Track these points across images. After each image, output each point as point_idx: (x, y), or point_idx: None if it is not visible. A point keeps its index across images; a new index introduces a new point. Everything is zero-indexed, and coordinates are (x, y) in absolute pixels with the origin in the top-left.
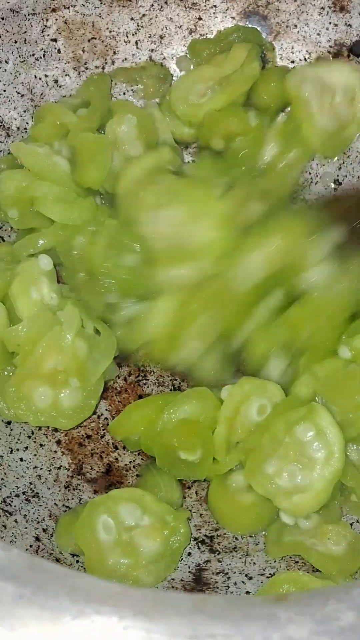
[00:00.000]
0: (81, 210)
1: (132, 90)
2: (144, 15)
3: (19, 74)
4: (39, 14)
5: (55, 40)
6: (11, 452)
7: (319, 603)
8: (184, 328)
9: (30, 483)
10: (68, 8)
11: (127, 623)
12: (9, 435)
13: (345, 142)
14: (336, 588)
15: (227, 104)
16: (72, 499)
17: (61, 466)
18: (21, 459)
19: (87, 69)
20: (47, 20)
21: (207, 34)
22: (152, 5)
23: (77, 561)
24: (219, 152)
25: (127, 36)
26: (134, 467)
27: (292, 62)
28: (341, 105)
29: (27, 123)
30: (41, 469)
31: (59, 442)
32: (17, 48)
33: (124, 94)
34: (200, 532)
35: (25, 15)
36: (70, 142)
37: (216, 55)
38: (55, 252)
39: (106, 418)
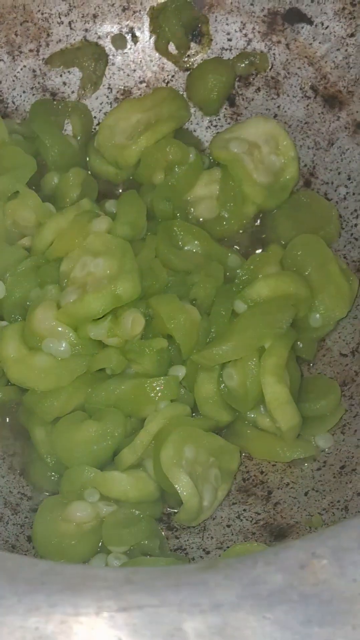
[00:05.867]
0: None
1: (68, 72)
2: None
3: None
4: None
5: None
6: None
7: (247, 567)
8: None
9: None
10: None
11: (55, 599)
12: None
13: (286, 188)
14: (265, 551)
15: (156, 141)
16: (28, 486)
17: (15, 453)
18: None
19: (21, 52)
20: None
21: (140, 10)
22: None
23: (33, 547)
24: (145, 188)
25: (60, 17)
26: None
27: (228, 33)
28: (270, 156)
29: None
30: None
31: (10, 429)
32: None
33: (61, 76)
34: None
35: None
36: None
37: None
38: None
39: None
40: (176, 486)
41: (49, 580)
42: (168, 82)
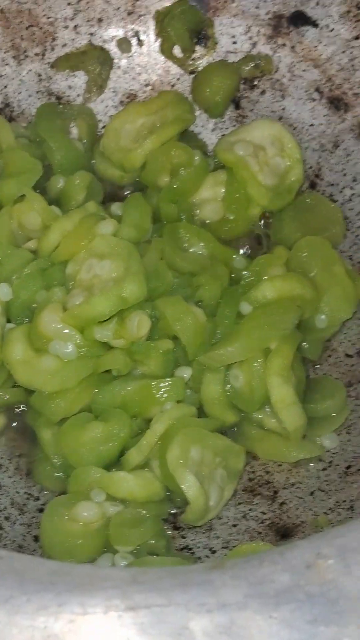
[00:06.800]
0: None
1: (74, 75)
2: None
3: None
4: None
5: None
6: None
7: (254, 566)
8: None
9: None
10: None
11: (63, 599)
12: None
13: (292, 190)
14: (271, 551)
15: (161, 144)
16: (34, 486)
17: (21, 454)
18: None
19: (26, 56)
20: None
21: (145, 14)
22: None
23: (40, 547)
24: (151, 190)
25: (65, 21)
26: None
27: (233, 36)
28: (275, 158)
29: None
30: (1, 458)
31: (16, 430)
32: None
33: (66, 79)
34: None
35: None
36: (3, 159)
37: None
38: None
39: None
40: (182, 486)
41: (57, 580)
42: (173, 85)
